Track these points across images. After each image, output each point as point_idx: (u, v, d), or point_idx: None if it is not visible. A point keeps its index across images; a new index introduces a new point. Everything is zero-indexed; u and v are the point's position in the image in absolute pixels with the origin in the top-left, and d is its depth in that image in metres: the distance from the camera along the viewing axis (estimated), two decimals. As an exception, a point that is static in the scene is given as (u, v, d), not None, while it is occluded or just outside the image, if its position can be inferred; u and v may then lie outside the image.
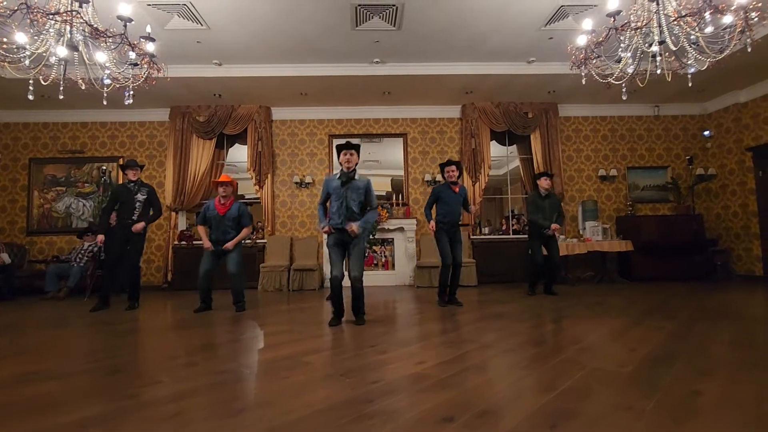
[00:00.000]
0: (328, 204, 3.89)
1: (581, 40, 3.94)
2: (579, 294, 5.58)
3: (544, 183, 5.49)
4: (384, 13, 5.05)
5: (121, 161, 7.66)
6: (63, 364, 2.53)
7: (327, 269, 6.85)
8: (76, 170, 7.67)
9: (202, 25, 5.20)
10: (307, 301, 5.48)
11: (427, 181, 7.79)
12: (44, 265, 6.77)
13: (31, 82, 3.72)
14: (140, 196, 4.90)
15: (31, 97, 3.73)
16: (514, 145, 8.06)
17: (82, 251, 6.43)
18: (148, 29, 3.92)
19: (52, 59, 3.58)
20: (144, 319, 4.30)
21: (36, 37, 3.44)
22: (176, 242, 7.34)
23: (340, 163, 3.76)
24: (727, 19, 3.30)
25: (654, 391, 1.85)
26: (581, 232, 7.45)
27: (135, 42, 3.78)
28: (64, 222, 7.54)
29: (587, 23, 3.90)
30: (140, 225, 4.82)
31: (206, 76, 6.43)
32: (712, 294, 5.34)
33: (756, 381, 1.99)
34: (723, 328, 3.23)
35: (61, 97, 3.94)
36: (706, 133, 7.88)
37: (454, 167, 4.75)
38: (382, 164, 8.23)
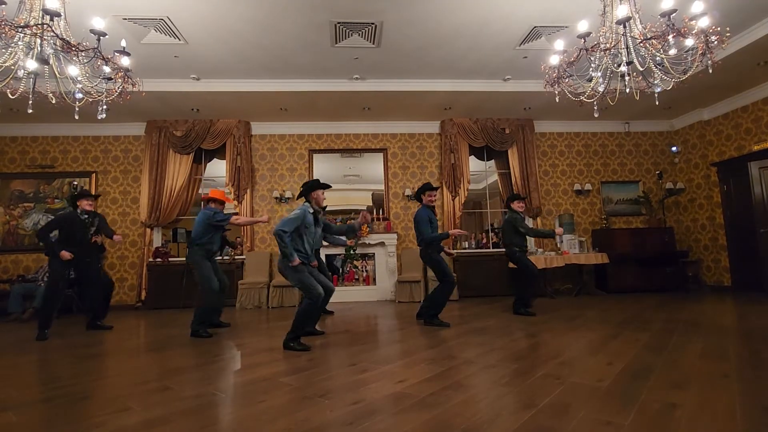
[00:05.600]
0: None
1: (554, 60, 4.08)
2: (558, 307, 5.65)
3: (518, 206, 5.32)
4: (363, 30, 5.12)
5: (93, 176, 7.44)
6: (23, 393, 2.38)
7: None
8: (46, 185, 7.40)
9: (179, 39, 5.15)
10: (287, 319, 5.35)
11: (407, 196, 7.83)
12: (8, 284, 6.45)
13: (-3, 95, 3.60)
14: (93, 229, 4.65)
15: (-3, 111, 3.60)
16: (492, 160, 8.21)
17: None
18: (123, 43, 3.85)
19: (21, 72, 3.47)
20: (114, 340, 4.12)
21: (3, 50, 3.33)
22: (151, 259, 7.12)
23: (315, 202, 3.71)
24: (689, 42, 3.47)
25: (632, 405, 1.87)
26: (558, 245, 7.59)
27: (109, 56, 3.71)
28: (32, 239, 7.22)
29: (559, 44, 4.04)
30: (119, 237, 4.65)
31: (184, 91, 6.35)
32: (683, 305, 5.49)
33: (728, 392, 2.03)
34: (695, 339, 3.31)
35: (30, 111, 3.82)
36: (674, 148, 8.21)
37: (436, 192, 4.68)
38: (363, 179, 8.24)
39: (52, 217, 7.29)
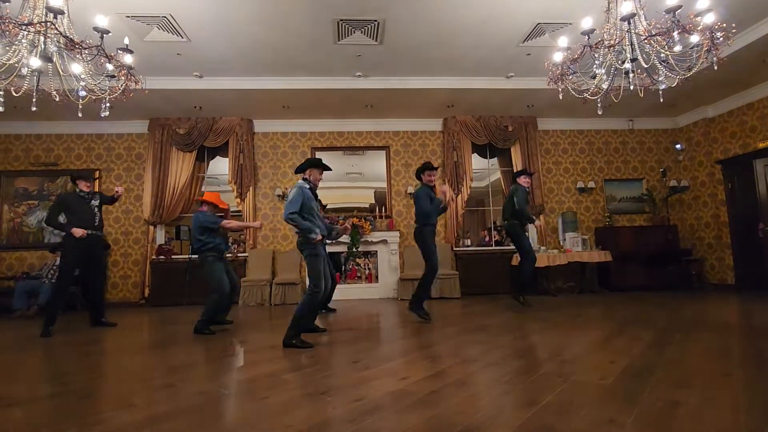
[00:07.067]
0: None
1: (557, 57, 4.06)
2: (560, 305, 5.63)
3: (524, 180, 5.34)
4: (366, 28, 5.11)
5: (97, 174, 7.47)
6: (28, 388, 2.40)
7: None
8: (50, 183, 7.44)
9: (182, 37, 5.16)
10: (290, 316, 5.36)
11: (410, 194, 7.82)
12: (13, 282, 6.49)
13: (1, 93, 3.61)
14: (95, 203, 4.69)
15: (0, 109, 3.61)
16: (495, 158, 8.19)
17: (55, 267, 6.20)
18: (126, 41, 3.86)
19: (25, 70, 3.48)
20: (118, 338, 4.15)
21: (7, 48, 3.34)
22: (154, 257, 7.15)
23: (312, 180, 3.69)
24: (694, 38, 3.45)
25: (634, 404, 1.87)
26: (561, 243, 7.57)
27: (112, 54, 3.72)
28: (36, 237, 7.27)
29: (563, 41, 4.02)
30: (120, 189, 4.76)
31: (186, 89, 6.36)
32: (686, 304, 5.47)
33: (731, 391, 2.02)
34: (698, 337, 3.30)
35: (34, 108, 3.84)
36: (678, 146, 8.16)
37: (435, 172, 4.71)
38: (365, 176, 8.24)
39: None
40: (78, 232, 4.40)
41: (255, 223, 4.62)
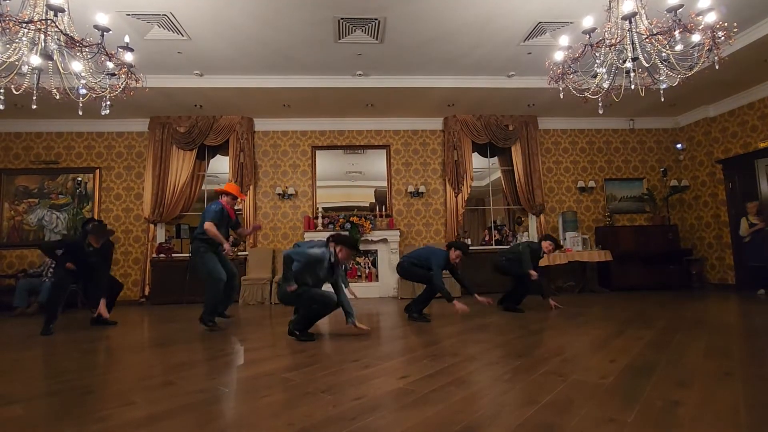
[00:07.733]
0: None
1: (558, 56, 4.06)
2: (561, 304, 5.62)
3: (547, 245, 5.26)
4: (366, 26, 5.10)
5: (97, 172, 7.47)
6: (29, 386, 2.40)
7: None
8: (50, 181, 7.44)
9: (183, 35, 5.15)
10: (290, 315, 5.36)
11: (410, 193, 7.82)
12: (14, 279, 6.50)
13: (1, 91, 3.60)
14: (93, 259, 4.57)
15: (1, 107, 3.60)
16: (496, 157, 8.18)
17: (53, 265, 6.19)
18: (127, 39, 3.86)
19: (25, 68, 3.48)
20: (119, 336, 4.15)
21: (8, 46, 3.34)
22: (154, 255, 7.15)
23: (339, 256, 3.67)
24: (696, 37, 3.44)
25: (635, 403, 1.86)
26: (562, 242, 7.57)
27: (113, 52, 3.72)
28: (36, 235, 7.27)
29: (564, 40, 4.01)
30: (104, 310, 4.54)
31: (187, 87, 6.36)
32: (687, 303, 5.47)
33: (732, 390, 2.02)
34: (699, 337, 3.30)
35: (35, 107, 3.83)
36: (679, 145, 8.16)
37: (465, 256, 4.79)
38: (366, 175, 8.24)
39: (57, 213, 7.35)
40: (70, 267, 4.43)
41: (226, 245, 4.36)
